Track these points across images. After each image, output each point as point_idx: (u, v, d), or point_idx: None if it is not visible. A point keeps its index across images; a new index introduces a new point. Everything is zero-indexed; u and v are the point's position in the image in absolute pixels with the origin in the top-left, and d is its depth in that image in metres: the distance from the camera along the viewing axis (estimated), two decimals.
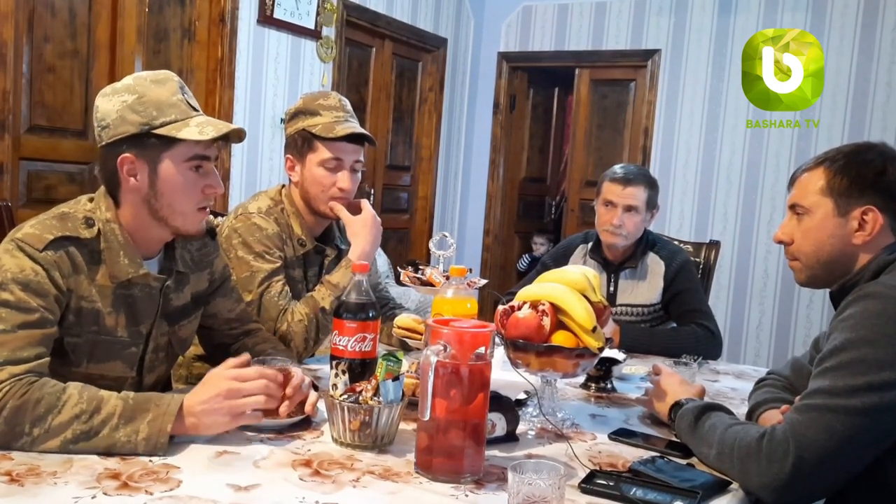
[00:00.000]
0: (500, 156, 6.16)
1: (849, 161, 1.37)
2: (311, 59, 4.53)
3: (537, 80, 6.29)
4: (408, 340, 1.83)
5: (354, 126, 1.90)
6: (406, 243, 5.75)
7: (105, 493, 1.07)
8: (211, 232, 1.60)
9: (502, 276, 6.21)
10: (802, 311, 4.95)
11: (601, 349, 1.47)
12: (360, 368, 1.44)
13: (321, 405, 1.41)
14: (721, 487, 1.23)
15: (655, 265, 2.40)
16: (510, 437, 1.39)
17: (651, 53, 5.39)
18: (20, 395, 1.19)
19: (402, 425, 1.36)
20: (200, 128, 1.36)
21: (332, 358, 1.46)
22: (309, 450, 1.29)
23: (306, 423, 1.40)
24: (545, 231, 6.57)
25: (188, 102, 1.39)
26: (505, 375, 1.61)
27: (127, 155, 1.36)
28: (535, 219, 6.68)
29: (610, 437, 1.46)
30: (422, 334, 1.73)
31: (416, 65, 5.65)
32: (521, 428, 1.43)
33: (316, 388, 1.45)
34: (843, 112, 4.79)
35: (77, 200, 1.43)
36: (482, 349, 1.20)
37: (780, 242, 1.46)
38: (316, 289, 1.87)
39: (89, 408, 1.21)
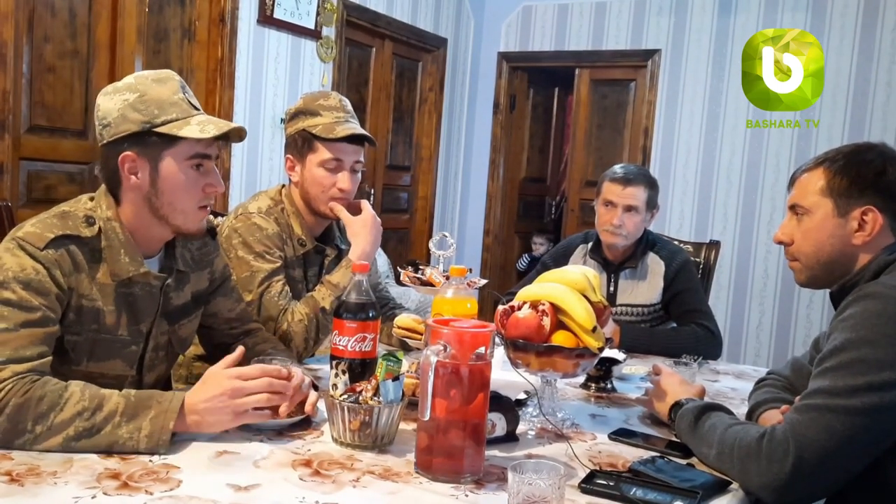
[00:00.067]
0: (500, 156, 6.16)
1: (849, 161, 1.37)
2: (311, 59, 4.53)
3: (537, 80, 6.29)
4: (408, 340, 1.83)
5: (355, 127, 1.90)
6: (406, 243, 5.75)
7: (105, 493, 1.07)
8: (211, 231, 1.60)
9: (502, 276, 6.21)
10: (802, 311, 4.95)
11: (601, 349, 1.47)
12: (360, 368, 1.44)
13: (321, 405, 1.41)
14: (721, 487, 1.23)
15: (655, 265, 2.40)
16: (510, 437, 1.39)
17: (651, 53, 5.39)
18: (23, 392, 1.19)
19: (402, 425, 1.36)
20: (201, 126, 1.37)
21: (332, 358, 1.46)
22: (309, 450, 1.29)
23: (306, 423, 1.40)
24: (545, 231, 6.57)
25: (189, 101, 1.40)
26: (505, 375, 1.61)
27: (128, 153, 1.36)
28: (535, 219, 6.68)
29: (610, 437, 1.46)
30: (422, 334, 1.73)
31: (416, 65, 5.65)
32: (521, 428, 1.43)
33: (316, 388, 1.45)
34: (843, 112, 4.79)
35: (78, 199, 1.43)
36: (482, 349, 1.20)
37: (779, 243, 1.46)
38: (316, 289, 1.87)
39: (91, 405, 1.21)
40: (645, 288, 2.40)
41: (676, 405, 1.46)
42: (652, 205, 2.40)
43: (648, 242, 2.44)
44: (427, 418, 1.18)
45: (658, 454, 1.36)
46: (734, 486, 1.24)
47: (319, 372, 1.76)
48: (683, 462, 1.33)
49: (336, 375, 1.43)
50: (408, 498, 1.13)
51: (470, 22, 5.98)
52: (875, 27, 4.71)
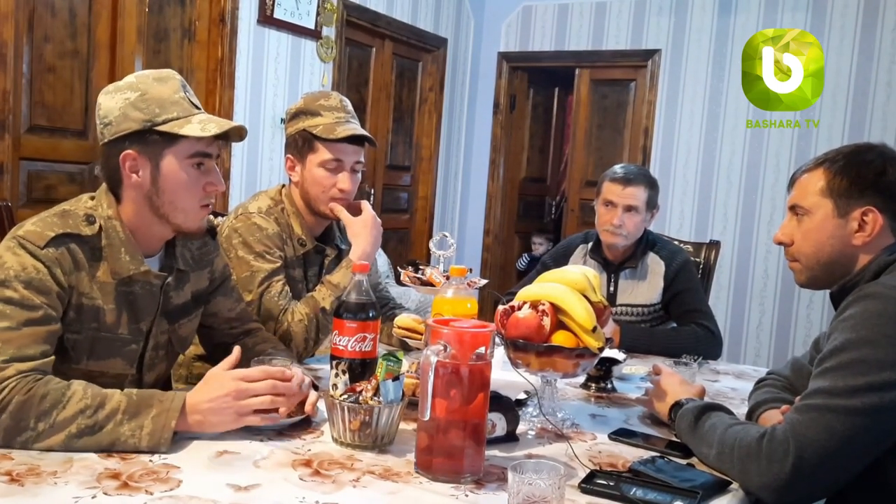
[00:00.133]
0: (500, 156, 6.16)
1: (849, 162, 1.37)
2: (312, 59, 4.53)
3: (537, 80, 6.29)
4: (408, 340, 1.83)
5: (355, 127, 1.90)
6: (406, 243, 5.75)
7: (105, 493, 1.07)
8: (211, 231, 1.61)
9: (502, 276, 6.21)
10: (802, 311, 4.95)
11: (601, 349, 1.47)
12: (360, 368, 1.44)
13: (321, 405, 1.41)
14: (721, 487, 1.23)
15: (655, 265, 2.40)
16: (510, 437, 1.39)
17: (651, 53, 5.39)
18: (26, 390, 1.20)
19: (402, 425, 1.36)
20: (202, 125, 1.37)
21: (332, 358, 1.46)
22: (309, 450, 1.29)
23: (306, 423, 1.40)
24: (545, 231, 6.57)
25: (190, 101, 1.40)
26: (505, 375, 1.61)
27: (129, 151, 1.37)
28: (535, 219, 6.68)
29: (610, 437, 1.46)
30: (422, 334, 1.73)
31: (416, 65, 5.65)
32: (521, 428, 1.43)
33: (316, 388, 1.45)
34: (843, 112, 4.79)
35: (78, 199, 1.44)
36: (482, 349, 1.20)
37: (780, 244, 1.46)
38: (316, 289, 1.87)
39: (94, 403, 1.22)
40: (645, 288, 2.40)
41: (676, 405, 1.46)
42: (652, 205, 2.41)
43: (648, 242, 2.44)
44: (427, 418, 1.18)
45: (658, 454, 1.36)
46: (734, 486, 1.24)
47: (319, 372, 1.76)
48: (683, 462, 1.33)
49: (336, 375, 1.43)
50: (408, 498, 1.13)
51: (470, 22, 5.98)
52: (875, 27, 4.71)
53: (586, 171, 5.78)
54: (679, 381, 1.57)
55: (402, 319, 1.82)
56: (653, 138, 5.40)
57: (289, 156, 1.96)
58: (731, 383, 2.01)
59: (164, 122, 1.36)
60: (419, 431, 1.23)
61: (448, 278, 1.62)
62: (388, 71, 5.37)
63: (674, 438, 1.44)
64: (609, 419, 1.61)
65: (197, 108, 1.41)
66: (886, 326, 1.20)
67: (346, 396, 1.31)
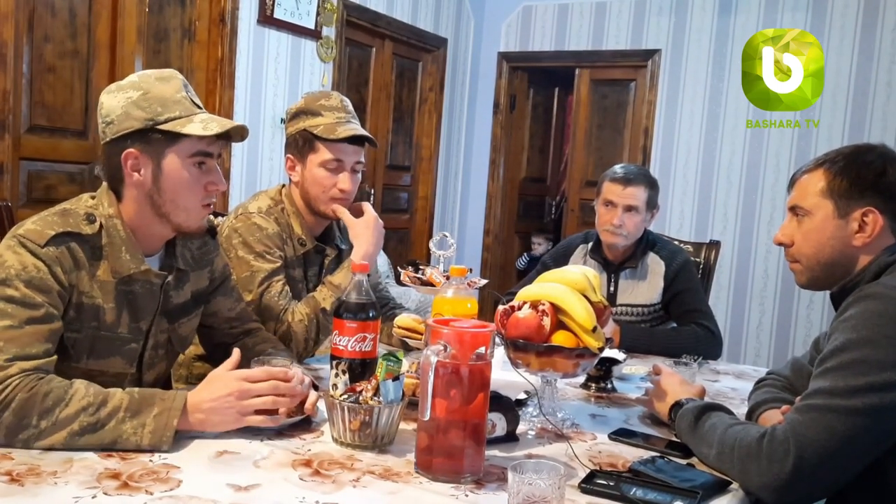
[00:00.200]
0: (500, 156, 6.16)
1: (849, 162, 1.37)
2: (312, 59, 4.53)
3: (537, 80, 6.29)
4: (408, 340, 1.83)
5: (356, 128, 1.90)
6: (406, 243, 5.75)
7: (105, 493, 1.07)
8: (211, 231, 1.61)
9: (502, 276, 6.21)
10: (802, 311, 4.95)
11: (601, 349, 1.47)
12: (360, 368, 1.44)
13: (321, 405, 1.41)
14: (721, 487, 1.23)
15: (655, 265, 2.40)
16: (510, 437, 1.39)
17: (651, 53, 5.39)
18: (29, 388, 1.20)
19: (402, 425, 1.36)
20: (204, 124, 1.38)
21: (332, 358, 1.46)
22: (309, 450, 1.29)
23: (306, 423, 1.40)
24: (545, 231, 6.57)
25: (192, 100, 1.41)
26: (505, 375, 1.61)
27: (131, 150, 1.37)
28: (536, 219, 6.68)
29: (610, 437, 1.46)
30: (422, 334, 1.73)
31: (416, 65, 5.65)
32: (521, 428, 1.43)
33: (316, 387, 1.45)
34: (843, 112, 4.79)
35: (79, 198, 1.44)
36: (482, 349, 1.20)
37: (780, 244, 1.46)
38: (317, 289, 1.87)
39: (96, 401, 1.22)
40: (645, 288, 2.40)
41: (676, 405, 1.46)
42: (652, 205, 2.41)
43: (648, 242, 2.44)
44: (427, 418, 1.18)
45: (658, 454, 1.36)
46: (734, 486, 1.24)
47: (319, 372, 1.76)
48: (683, 462, 1.33)
49: (336, 375, 1.43)
50: (408, 498, 1.13)
51: (470, 22, 5.98)
52: (875, 27, 4.71)
53: (586, 171, 5.78)
54: (679, 381, 1.57)
55: (402, 319, 1.82)
56: (653, 138, 5.40)
57: (289, 156, 1.95)
58: (731, 383, 2.01)
59: (166, 121, 1.36)
60: (419, 431, 1.23)
61: (448, 278, 1.62)
62: (388, 71, 5.37)
63: (674, 438, 1.44)
64: (609, 419, 1.61)
65: (199, 107, 1.42)
66: (887, 327, 1.20)
67: (346, 396, 1.31)
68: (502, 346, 1.50)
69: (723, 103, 5.14)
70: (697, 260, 2.75)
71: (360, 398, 1.30)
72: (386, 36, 5.24)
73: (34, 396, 1.20)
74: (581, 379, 1.79)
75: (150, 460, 1.19)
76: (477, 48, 6.05)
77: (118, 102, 1.37)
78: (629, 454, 1.38)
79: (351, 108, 1.94)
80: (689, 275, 2.42)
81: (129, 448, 1.21)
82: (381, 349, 1.55)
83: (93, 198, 1.43)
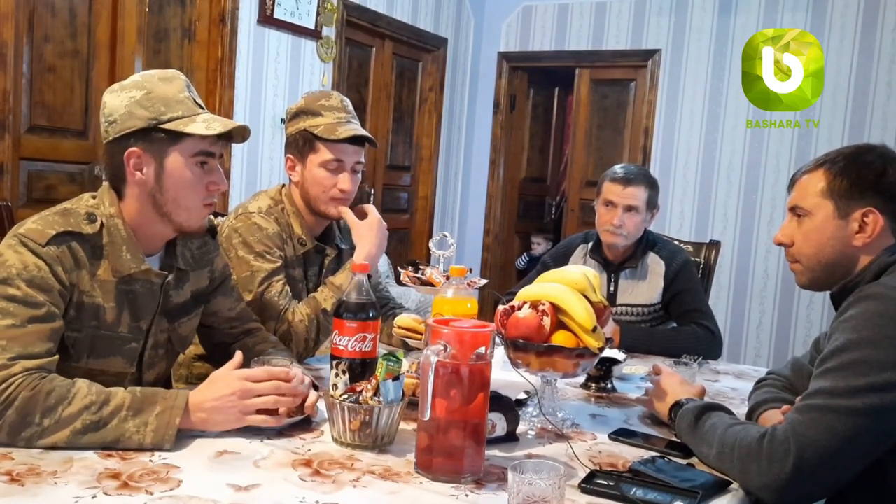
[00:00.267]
0: (500, 156, 6.16)
1: (849, 163, 1.37)
2: (312, 59, 4.53)
3: (537, 80, 6.29)
4: (408, 340, 1.83)
5: (356, 128, 1.90)
6: (406, 243, 5.75)
7: (105, 493, 1.07)
8: (211, 231, 1.61)
9: (502, 276, 6.21)
10: (802, 311, 4.95)
11: (601, 349, 1.47)
12: (360, 368, 1.44)
13: (321, 405, 1.41)
14: (721, 487, 1.23)
15: (655, 265, 2.40)
16: (510, 437, 1.39)
17: (651, 53, 5.39)
18: (31, 387, 1.20)
19: (402, 425, 1.36)
20: (207, 124, 1.38)
21: (333, 358, 1.46)
22: (309, 450, 1.29)
23: (306, 423, 1.40)
24: (545, 231, 6.57)
25: (194, 100, 1.41)
26: (505, 375, 1.61)
27: (134, 149, 1.38)
28: (536, 219, 6.68)
29: (610, 437, 1.46)
30: (422, 334, 1.73)
31: (417, 65, 5.65)
32: (521, 428, 1.43)
33: (316, 387, 1.45)
34: (843, 112, 4.79)
35: (80, 197, 1.44)
36: (482, 349, 1.20)
37: (780, 244, 1.46)
38: (319, 290, 1.87)
39: (98, 399, 1.23)
40: (645, 288, 2.40)
41: (676, 405, 1.46)
42: (652, 205, 2.41)
43: (648, 242, 2.44)
44: (427, 418, 1.18)
45: (658, 454, 1.36)
46: (734, 486, 1.24)
47: (320, 372, 1.76)
48: (683, 462, 1.33)
49: (336, 375, 1.43)
50: (408, 498, 1.13)
51: (470, 22, 5.98)
52: (875, 27, 4.71)
53: (586, 171, 5.78)
54: (679, 381, 1.57)
55: (402, 319, 1.81)
56: (653, 138, 5.40)
57: (289, 156, 1.95)
58: (731, 383, 2.01)
59: (169, 121, 1.37)
60: (419, 431, 1.23)
61: (448, 278, 1.62)
62: (388, 71, 5.37)
63: (674, 438, 1.44)
64: (609, 419, 1.61)
65: (201, 107, 1.42)
66: (887, 327, 1.20)
67: (346, 396, 1.31)
68: (502, 346, 1.50)
69: (723, 103, 5.14)
70: (697, 260, 2.75)
71: (360, 398, 1.30)
72: (386, 36, 5.24)
73: (37, 395, 1.20)
74: (581, 379, 1.79)
75: (150, 460, 1.19)
76: (477, 48, 6.05)
77: (121, 102, 1.38)
78: (629, 454, 1.38)
79: (351, 108, 1.94)
80: (689, 275, 2.42)
81: (131, 447, 1.21)
82: (381, 349, 1.55)
83: (94, 197, 1.44)
